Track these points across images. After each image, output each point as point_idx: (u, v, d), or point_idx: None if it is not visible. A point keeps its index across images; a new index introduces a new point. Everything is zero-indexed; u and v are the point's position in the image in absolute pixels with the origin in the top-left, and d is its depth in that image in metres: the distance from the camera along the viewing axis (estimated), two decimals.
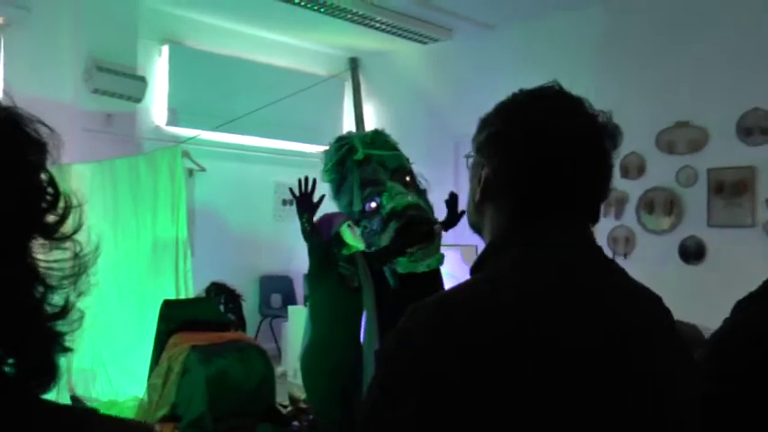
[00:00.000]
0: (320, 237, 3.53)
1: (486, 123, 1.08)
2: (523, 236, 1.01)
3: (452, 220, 3.97)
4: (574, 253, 1.00)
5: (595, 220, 1.05)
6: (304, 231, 3.49)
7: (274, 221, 7.76)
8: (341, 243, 3.55)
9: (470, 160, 1.10)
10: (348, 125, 8.15)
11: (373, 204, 3.90)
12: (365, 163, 3.96)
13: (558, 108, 1.02)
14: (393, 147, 4.20)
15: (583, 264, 0.99)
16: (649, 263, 5.84)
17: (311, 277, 3.64)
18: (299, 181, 3.55)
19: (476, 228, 1.12)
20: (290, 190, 3.54)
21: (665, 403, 0.95)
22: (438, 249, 3.98)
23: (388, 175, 3.99)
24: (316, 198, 3.53)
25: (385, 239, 3.80)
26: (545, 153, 1.00)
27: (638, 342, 0.96)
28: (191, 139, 6.49)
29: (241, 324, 6.30)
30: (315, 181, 3.52)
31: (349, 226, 3.60)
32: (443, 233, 4.05)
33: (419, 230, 3.78)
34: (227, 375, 4.43)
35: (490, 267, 1.00)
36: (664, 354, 0.98)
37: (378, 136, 4.19)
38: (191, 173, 6.77)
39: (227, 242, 7.29)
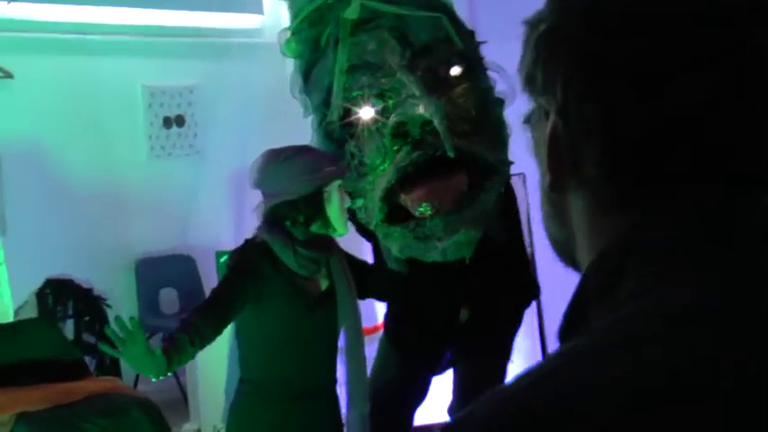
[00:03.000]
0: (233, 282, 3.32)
1: (536, 25, 0.87)
2: (665, 239, 0.79)
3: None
4: None
5: None
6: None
7: (151, 159, 6.92)
8: (315, 212, 3.29)
9: (532, 121, 0.92)
10: None
11: (366, 112, 3.61)
12: (363, 28, 3.65)
13: None
14: (432, 4, 3.77)
15: None
16: None
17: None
18: (104, 338, 3.19)
19: (560, 246, 0.92)
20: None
21: None
22: (478, 221, 3.56)
23: (406, 59, 3.59)
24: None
25: (382, 182, 3.53)
26: (668, 52, 0.79)
27: None
28: None
29: None
30: (136, 322, 3.05)
31: (340, 187, 3.36)
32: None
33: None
34: None
35: (599, 322, 0.77)
36: None
37: None
38: None
39: (69, 205, 6.42)
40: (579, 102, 0.82)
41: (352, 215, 3.68)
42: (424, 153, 3.47)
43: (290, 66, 4.09)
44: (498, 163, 3.65)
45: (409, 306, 3.84)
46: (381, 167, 3.57)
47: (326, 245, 3.32)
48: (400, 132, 3.54)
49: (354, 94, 3.62)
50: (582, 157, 0.83)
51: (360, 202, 3.62)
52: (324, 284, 3.35)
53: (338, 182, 3.30)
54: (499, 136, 3.74)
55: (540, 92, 0.87)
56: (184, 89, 7.10)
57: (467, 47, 3.78)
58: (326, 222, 3.27)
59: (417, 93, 3.50)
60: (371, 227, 3.60)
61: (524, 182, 5.20)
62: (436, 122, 3.45)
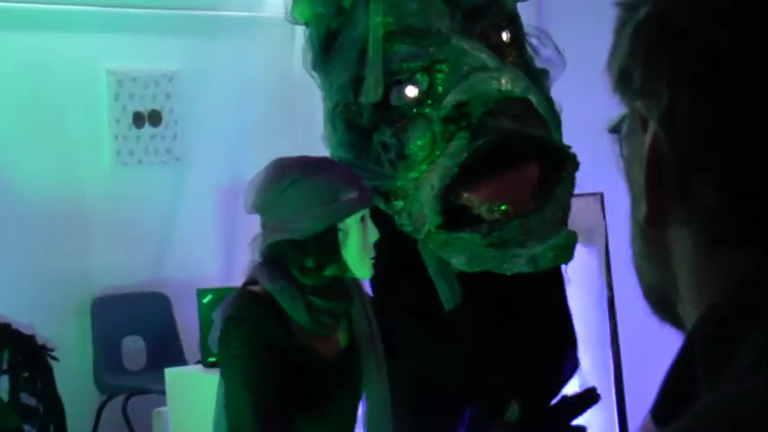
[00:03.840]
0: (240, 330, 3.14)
1: (633, 8, 0.83)
2: None
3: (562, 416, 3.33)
4: None
5: None
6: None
7: (117, 167, 6.60)
8: (327, 255, 3.18)
9: (622, 136, 0.88)
10: None
11: (410, 90, 3.53)
12: None
13: None
14: None
15: None
16: None
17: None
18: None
19: (655, 295, 0.86)
20: None
21: None
22: (562, 221, 3.45)
23: (457, 23, 3.52)
24: None
25: (433, 179, 3.38)
26: None
27: None
28: None
29: (53, 414, 5.97)
30: None
31: (363, 218, 3.22)
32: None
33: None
34: None
35: (706, 399, 0.73)
36: None
37: None
38: None
39: (9, 225, 6.20)
40: (692, 107, 0.79)
41: (382, 225, 3.43)
42: (489, 141, 3.28)
43: (299, 47, 3.82)
44: (564, 147, 3.50)
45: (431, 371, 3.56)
46: (429, 160, 3.42)
47: (346, 290, 3.22)
48: (455, 116, 3.34)
49: (396, 66, 3.43)
50: (693, 179, 0.80)
51: (399, 205, 3.44)
52: (344, 340, 3.24)
53: (360, 213, 3.15)
54: (551, 115, 3.60)
55: (637, 94, 0.83)
56: (161, 77, 6.65)
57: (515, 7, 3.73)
58: (343, 267, 3.13)
59: (492, 64, 3.35)
60: (420, 235, 3.42)
61: (602, 203, 4.82)
62: (534, 101, 3.33)
